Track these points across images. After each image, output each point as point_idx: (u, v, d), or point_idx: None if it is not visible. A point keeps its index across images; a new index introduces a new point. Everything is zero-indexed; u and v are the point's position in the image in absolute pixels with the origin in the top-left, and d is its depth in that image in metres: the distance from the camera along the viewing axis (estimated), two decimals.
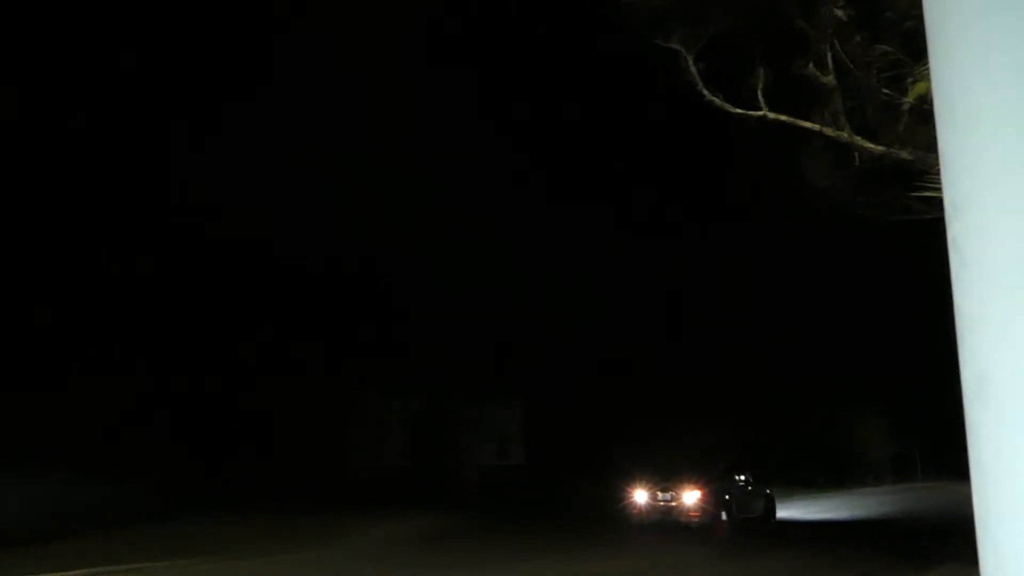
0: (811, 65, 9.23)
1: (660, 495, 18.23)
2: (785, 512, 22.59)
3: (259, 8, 23.04)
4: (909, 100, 8.61)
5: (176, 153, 21.72)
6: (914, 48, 8.39)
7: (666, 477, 18.51)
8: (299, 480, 20.52)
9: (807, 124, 9.45)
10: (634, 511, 18.37)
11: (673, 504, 17.95)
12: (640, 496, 18.42)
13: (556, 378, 30.32)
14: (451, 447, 25.54)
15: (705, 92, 9.63)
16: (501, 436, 28.03)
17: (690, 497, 17.87)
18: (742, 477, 19.46)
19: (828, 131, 9.30)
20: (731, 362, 34.09)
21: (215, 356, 20.03)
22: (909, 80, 8.56)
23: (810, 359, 34.61)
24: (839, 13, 8.85)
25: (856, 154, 9.41)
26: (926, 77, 8.02)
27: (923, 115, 8.69)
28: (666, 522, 17.99)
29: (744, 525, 18.60)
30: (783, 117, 9.59)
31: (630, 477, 18.98)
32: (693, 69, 9.69)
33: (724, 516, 18.28)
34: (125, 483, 14.65)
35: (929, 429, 38.75)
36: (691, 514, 17.78)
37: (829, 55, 9.17)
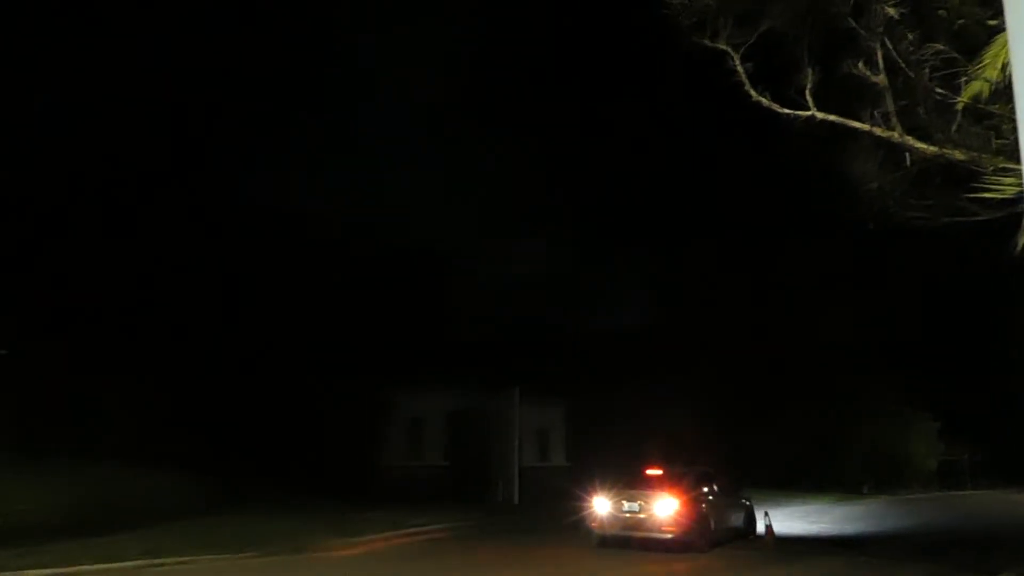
0: (861, 64, 9.07)
1: (625, 504, 14.51)
2: (829, 524, 22.18)
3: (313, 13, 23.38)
4: (963, 100, 8.41)
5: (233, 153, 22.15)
6: (968, 46, 8.20)
7: (632, 483, 15.19)
8: (342, 477, 20.75)
9: (856, 124, 9.28)
10: (593, 523, 14.93)
11: (642, 516, 14.30)
12: (601, 505, 14.79)
13: (597, 380, 30.23)
14: (491, 447, 25.58)
15: (752, 92, 9.53)
16: (542, 437, 28.03)
17: (663, 507, 14.19)
18: (715, 487, 15.83)
19: (878, 131, 9.12)
20: (776, 368, 33.63)
21: (266, 356, 20.38)
22: (963, 79, 8.37)
23: (858, 365, 33.98)
24: (890, 11, 8.68)
25: (907, 155, 9.22)
26: (980, 76, 7.84)
27: (977, 115, 8.49)
28: (631, 540, 14.52)
29: (721, 542, 15.24)
30: (832, 117, 9.43)
31: (594, 482, 15.80)
32: (740, 69, 9.60)
33: (704, 531, 14.65)
34: (173, 479, 14.95)
35: (978, 437, 37.84)
36: (663, 528, 14.14)
37: (879, 54, 9.00)
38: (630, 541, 14.49)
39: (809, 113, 9.47)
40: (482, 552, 14.88)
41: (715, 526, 14.96)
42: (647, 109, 32.99)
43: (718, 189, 33.17)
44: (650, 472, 15.65)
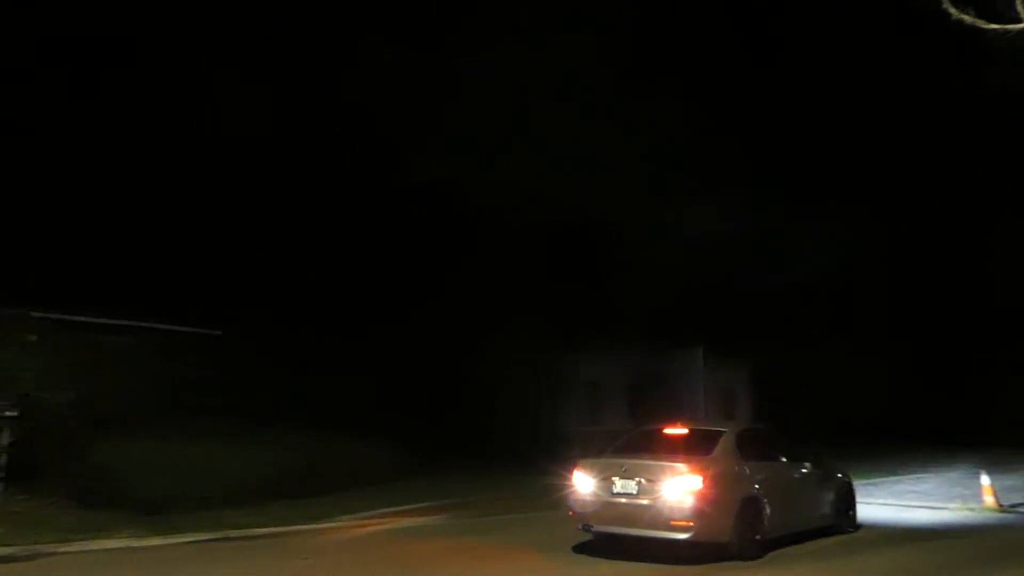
0: None
1: (618, 482, 9.40)
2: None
3: None
4: None
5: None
6: None
7: (635, 446, 10.34)
8: (522, 443, 21.12)
9: None
10: (573, 511, 9.91)
11: (642, 501, 9.17)
12: (584, 484, 9.70)
13: (784, 338, 28.97)
14: (673, 410, 25.15)
15: (952, 10, 8.53)
16: (726, 397, 27.26)
17: (675, 487, 9.01)
18: (777, 454, 10.71)
19: None
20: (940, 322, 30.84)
21: (449, 327, 21.09)
22: None
23: None
24: None
25: None
26: None
27: None
28: (625, 541, 9.52)
29: (786, 541, 10.05)
30: None
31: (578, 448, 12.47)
32: None
33: (748, 526, 9.40)
34: (369, 446, 15.81)
35: None
36: (673, 523, 8.98)
37: None
38: (624, 541, 9.51)
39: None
40: None
41: (773, 517, 9.67)
42: (826, 50, 30.93)
43: (907, 133, 30.56)
44: (667, 431, 10.59)
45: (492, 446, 20.37)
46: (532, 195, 22.68)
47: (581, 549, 9.94)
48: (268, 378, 16.95)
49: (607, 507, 9.49)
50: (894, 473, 19.90)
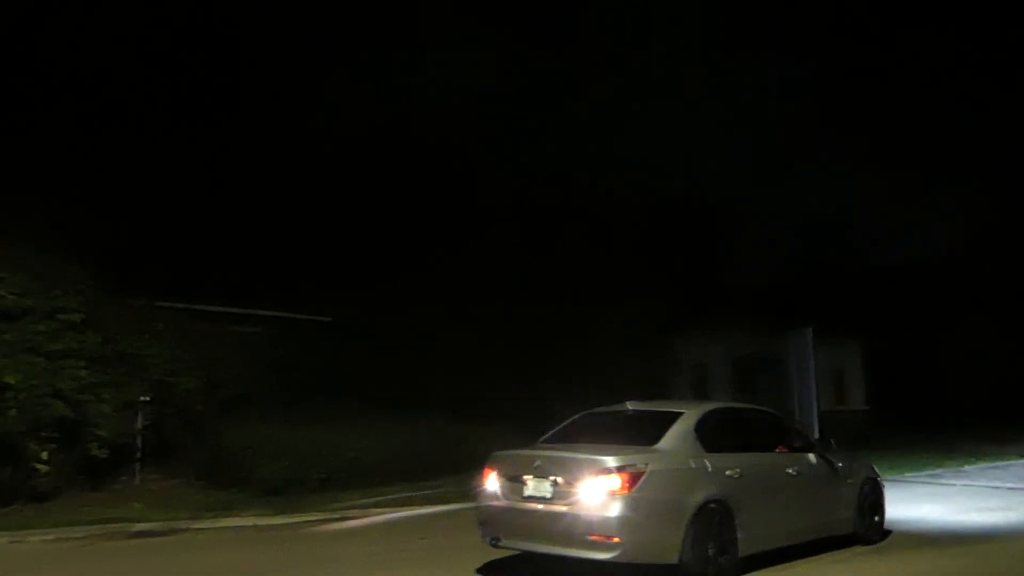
0: None
1: (530, 483, 7.12)
2: None
3: None
4: None
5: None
6: None
7: (569, 436, 7.92)
8: None
9: None
10: (480, 518, 7.50)
11: (557, 508, 6.85)
12: (492, 484, 7.43)
13: (897, 317, 27.74)
14: (783, 392, 24.45)
15: None
16: (837, 379, 26.34)
17: (594, 490, 6.68)
18: (772, 443, 8.40)
19: None
20: None
21: (559, 310, 21.10)
22: None
23: None
24: None
25: None
26: None
27: None
28: (547, 560, 7.10)
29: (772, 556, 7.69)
30: None
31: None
32: None
33: (708, 551, 6.90)
34: (487, 430, 15.89)
35: None
36: (594, 537, 6.60)
37: None
38: (546, 560, 7.12)
39: None
40: None
41: (752, 526, 7.29)
42: (938, 18, 29.28)
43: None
44: (612, 414, 8.21)
45: None
46: (642, 176, 22.43)
47: (490, 570, 7.63)
48: (379, 362, 17.31)
49: (517, 515, 7.11)
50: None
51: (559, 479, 6.91)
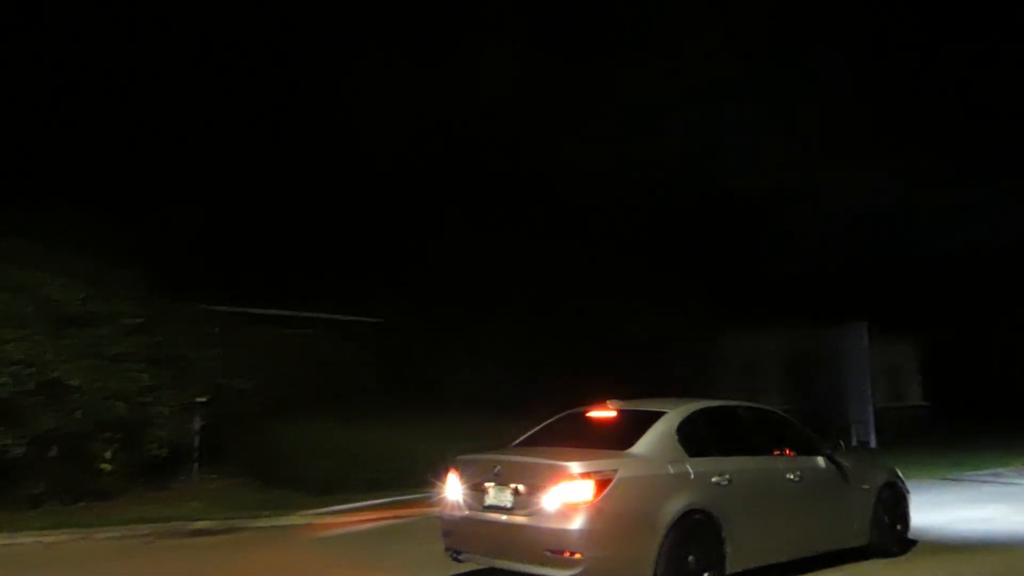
0: None
1: (491, 491, 6.53)
2: None
3: None
4: None
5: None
6: None
7: (539, 440, 7.41)
8: None
9: None
10: (444, 526, 6.98)
11: (516, 520, 6.28)
12: (454, 491, 6.90)
13: (956, 310, 27.02)
14: (838, 388, 23.99)
15: None
16: (894, 374, 25.76)
17: (555, 500, 6.06)
18: (775, 447, 7.72)
19: None
20: None
21: (600, 304, 21.04)
22: None
23: None
24: None
25: None
26: None
27: None
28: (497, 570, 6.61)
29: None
30: None
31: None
32: None
33: (685, 567, 6.24)
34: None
35: None
36: (552, 554, 6.00)
37: None
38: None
39: None
40: None
41: (742, 539, 6.63)
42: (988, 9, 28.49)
43: None
44: (589, 415, 7.50)
45: None
46: (691, 172, 22.25)
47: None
48: (426, 361, 17.45)
49: (478, 526, 6.57)
50: None
51: (520, 487, 6.31)
